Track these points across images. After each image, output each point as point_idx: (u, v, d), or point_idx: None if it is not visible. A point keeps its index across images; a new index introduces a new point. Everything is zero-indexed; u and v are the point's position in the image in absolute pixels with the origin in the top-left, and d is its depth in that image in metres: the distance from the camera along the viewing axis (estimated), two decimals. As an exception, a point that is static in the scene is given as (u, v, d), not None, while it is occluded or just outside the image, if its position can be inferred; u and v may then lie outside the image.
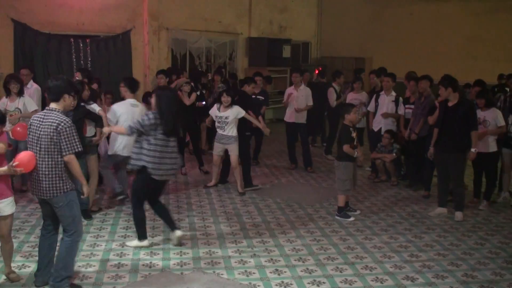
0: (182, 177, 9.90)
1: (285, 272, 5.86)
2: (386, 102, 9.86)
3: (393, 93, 9.87)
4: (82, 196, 5.38)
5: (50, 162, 4.96)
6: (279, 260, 6.18)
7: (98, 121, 7.48)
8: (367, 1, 18.28)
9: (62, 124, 4.90)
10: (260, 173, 10.43)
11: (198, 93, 10.78)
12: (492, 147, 8.23)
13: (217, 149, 9.04)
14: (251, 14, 16.68)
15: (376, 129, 10.05)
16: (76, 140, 4.98)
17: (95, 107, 7.60)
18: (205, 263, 6.05)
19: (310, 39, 19.33)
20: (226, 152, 9.05)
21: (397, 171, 9.83)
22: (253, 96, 10.81)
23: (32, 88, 9.14)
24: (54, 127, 4.88)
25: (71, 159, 4.99)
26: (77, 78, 9.01)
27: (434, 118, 8.09)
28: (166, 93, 6.41)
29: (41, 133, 4.94)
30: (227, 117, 8.74)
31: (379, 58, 17.15)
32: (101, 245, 6.52)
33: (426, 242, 6.88)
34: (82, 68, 9.21)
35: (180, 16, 14.19)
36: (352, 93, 10.90)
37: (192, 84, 10.65)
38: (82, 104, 7.21)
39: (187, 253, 6.33)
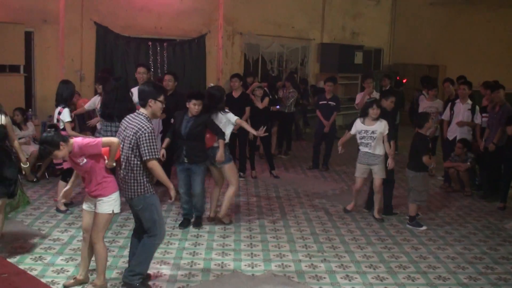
0: (252, 180, 10.02)
1: (356, 278, 5.86)
2: (462, 110, 9.65)
3: (469, 101, 9.66)
4: (169, 200, 5.53)
5: (128, 164, 5.07)
6: (350, 266, 6.18)
7: (218, 133, 7.04)
8: (442, 8, 17.90)
9: (142, 130, 4.96)
10: (330, 179, 10.43)
11: (270, 97, 10.86)
12: None
13: (361, 170, 7.98)
14: (324, 20, 16.70)
15: (450, 138, 9.85)
16: (155, 146, 5.00)
17: (230, 117, 7.30)
18: (275, 266, 6.13)
19: (382, 46, 19.14)
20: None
21: (471, 181, 9.60)
22: (324, 102, 10.87)
23: None
24: (134, 132, 4.98)
25: (153, 164, 5.02)
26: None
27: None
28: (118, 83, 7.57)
29: (126, 135, 5.08)
30: (374, 131, 7.69)
31: (453, 66, 16.77)
32: (174, 244, 6.72)
33: (502, 255, 6.70)
34: (172, 72, 9.14)
35: (253, 21, 14.39)
36: (426, 101, 10.73)
37: (266, 88, 10.78)
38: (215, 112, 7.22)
39: (258, 255, 6.42)
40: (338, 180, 10.35)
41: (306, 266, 6.15)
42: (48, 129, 4.90)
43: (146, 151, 4.97)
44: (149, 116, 5.12)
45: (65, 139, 4.88)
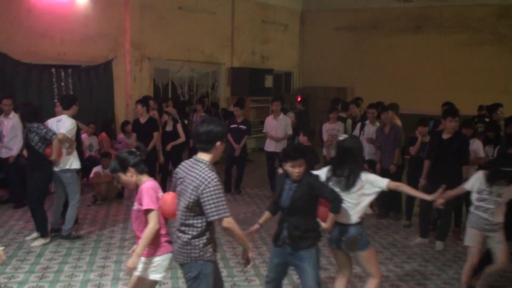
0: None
1: None
2: (371, 132, 9.93)
3: (377, 124, 9.95)
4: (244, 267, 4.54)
5: (184, 221, 4.14)
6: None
7: (333, 199, 4.97)
8: (347, 33, 18.56)
9: (205, 183, 3.97)
10: (242, 202, 10.39)
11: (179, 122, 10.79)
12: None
13: (474, 237, 5.89)
14: (233, 44, 16.83)
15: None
16: (223, 201, 4.00)
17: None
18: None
19: (292, 69, 19.53)
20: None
21: (379, 200, 9.83)
22: (235, 126, 10.88)
23: (15, 118, 9.13)
24: (195, 186, 4.01)
25: (228, 223, 4.03)
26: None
27: (416, 148, 8.17)
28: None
29: (184, 184, 4.13)
30: (499, 194, 5.71)
31: (360, 88, 17.34)
32: (79, 276, 6.41)
33: (406, 272, 6.87)
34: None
35: (162, 46, 14.28)
36: (327, 124, 10.94)
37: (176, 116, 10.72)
38: None
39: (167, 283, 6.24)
40: (250, 203, 10.31)
41: (215, 293, 6.02)
42: (135, 149, 4.59)
43: (214, 209, 3.97)
44: (210, 163, 4.14)
45: (141, 169, 4.48)
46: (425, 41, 17.25)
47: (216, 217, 3.96)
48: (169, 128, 10.53)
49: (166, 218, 4.47)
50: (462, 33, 16.70)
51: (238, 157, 10.92)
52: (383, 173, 9.20)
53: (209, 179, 3.95)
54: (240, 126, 10.90)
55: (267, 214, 5.17)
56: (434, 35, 17.16)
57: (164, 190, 9.70)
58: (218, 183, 3.97)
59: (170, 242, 4.43)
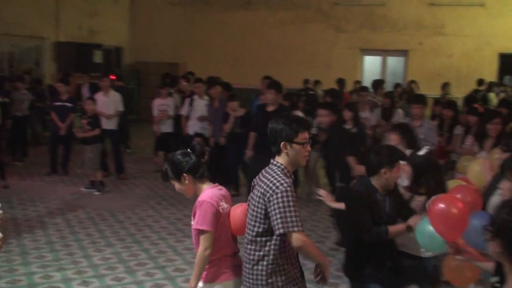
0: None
1: (93, 282, 5.68)
2: (200, 105, 10.02)
3: (206, 97, 10.08)
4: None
5: (250, 237, 3.39)
6: (87, 271, 5.95)
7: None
8: (180, 7, 18.51)
9: (273, 189, 3.23)
10: (70, 183, 9.98)
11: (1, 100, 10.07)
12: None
13: None
14: (58, 17, 15.95)
15: (191, 133, 10.14)
16: (295, 212, 3.20)
17: None
18: (5, 283, 5.63)
19: (122, 44, 18.99)
20: None
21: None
22: (59, 103, 10.37)
23: None
24: (262, 192, 3.29)
25: (298, 240, 3.19)
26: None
27: (229, 125, 8.51)
28: None
29: (253, 191, 3.42)
30: None
31: (192, 64, 17.35)
32: None
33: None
34: None
35: (-24, 18, 13.13)
36: (158, 99, 10.85)
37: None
38: None
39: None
40: (78, 184, 9.92)
41: (39, 277, 5.76)
42: (190, 149, 3.66)
43: (280, 221, 3.18)
44: (286, 167, 3.36)
45: (199, 175, 3.61)
46: (254, 17, 17.69)
47: (281, 230, 3.17)
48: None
49: (235, 235, 3.71)
50: (289, 10, 17.38)
51: (64, 137, 10.41)
52: (216, 146, 9.44)
53: (277, 184, 3.22)
54: (65, 103, 10.38)
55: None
56: (263, 12, 17.66)
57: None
58: (288, 189, 3.21)
59: (238, 265, 3.59)
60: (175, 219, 7.93)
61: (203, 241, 3.46)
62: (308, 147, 3.35)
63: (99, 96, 10.37)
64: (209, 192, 3.55)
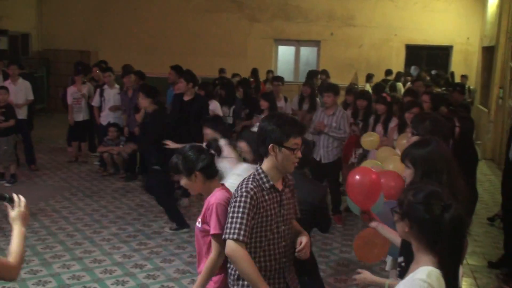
0: None
1: (6, 277, 5.50)
2: (111, 95, 9.87)
3: (117, 86, 9.94)
4: None
5: None
6: (-1, 266, 5.76)
7: None
8: (90, -8, 17.95)
9: (235, 193, 3.10)
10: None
11: None
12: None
13: None
14: (-42, 1, 15.10)
15: (104, 123, 9.97)
16: (240, 222, 3.00)
17: None
18: None
19: (30, 30, 18.19)
20: None
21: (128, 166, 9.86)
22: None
23: None
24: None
25: (229, 248, 3.02)
26: None
27: (140, 115, 8.39)
28: None
29: None
30: None
31: (105, 52, 16.96)
32: None
33: (154, 230, 7.09)
34: None
35: None
36: (72, 87, 10.57)
37: None
38: None
39: None
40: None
41: None
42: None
43: (227, 225, 3.05)
44: (267, 172, 3.12)
45: (210, 173, 3.41)
46: (169, 5, 17.47)
47: (224, 236, 3.04)
48: None
49: None
50: (204, -1, 17.35)
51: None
52: (130, 136, 9.35)
53: (239, 188, 3.08)
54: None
55: None
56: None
57: None
58: (245, 194, 3.01)
59: None
60: (91, 210, 7.79)
61: (219, 246, 3.19)
62: (299, 154, 3.09)
63: (6, 85, 9.95)
64: (221, 195, 3.31)
